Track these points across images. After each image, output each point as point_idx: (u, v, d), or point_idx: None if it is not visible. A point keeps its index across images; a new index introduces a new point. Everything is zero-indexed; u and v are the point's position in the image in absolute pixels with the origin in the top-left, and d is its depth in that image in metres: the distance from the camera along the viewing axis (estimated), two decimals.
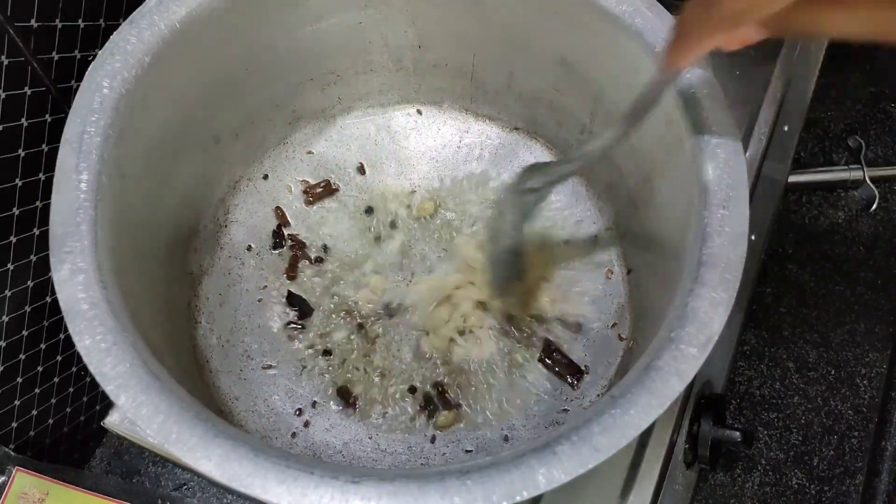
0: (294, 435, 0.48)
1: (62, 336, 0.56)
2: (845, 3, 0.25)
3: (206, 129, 0.49)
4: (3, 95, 0.42)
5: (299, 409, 0.49)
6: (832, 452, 0.72)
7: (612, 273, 0.53)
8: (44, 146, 0.47)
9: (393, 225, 0.55)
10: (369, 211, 0.56)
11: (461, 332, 0.51)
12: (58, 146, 0.37)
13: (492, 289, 0.51)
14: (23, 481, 0.54)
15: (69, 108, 0.38)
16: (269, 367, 0.50)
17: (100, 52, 0.40)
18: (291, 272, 0.53)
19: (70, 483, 0.55)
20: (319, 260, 0.54)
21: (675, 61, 0.31)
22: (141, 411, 0.31)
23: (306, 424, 0.49)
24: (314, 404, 0.49)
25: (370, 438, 0.48)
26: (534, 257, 0.53)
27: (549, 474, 0.30)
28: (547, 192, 0.45)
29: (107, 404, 0.58)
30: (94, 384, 0.62)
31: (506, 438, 0.48)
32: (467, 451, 0.48)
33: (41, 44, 0.44)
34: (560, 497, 0.45)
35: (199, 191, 0.52)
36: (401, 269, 0.54)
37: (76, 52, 0.47)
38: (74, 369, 0.59)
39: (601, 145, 0.38)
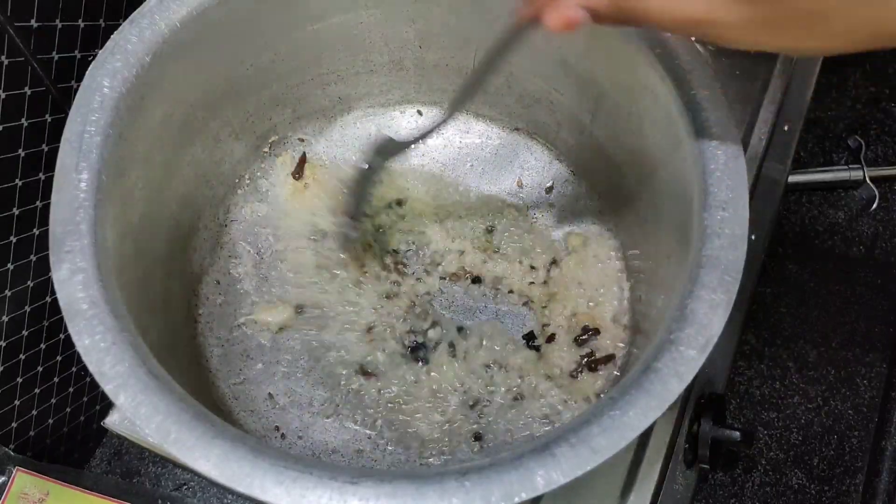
0: (292, 435, 0.48)
1: (62, 336, 0.56)
2: None
3: (206, 128, 0.49)
4: (3, 95, 0.42)
5: (298, 409, 0.49)
6: (832, 452, 0.72)
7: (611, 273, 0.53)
8: (44, 146, 0.47)
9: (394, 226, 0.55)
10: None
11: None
12: (58, 146, 0.37)
13: None
14: (23, 481, 0.54)
15: (69, 108, 0.38)
16: (269, 367, 0.50)
17: (100, 51, 0.40)
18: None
19: (70, 483, 0.55)
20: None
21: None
22: (140, 410, 0.31)
23: (305, 425, 0.49)
24: (313, 404, 0.49)
25: (369, 439, 0.48)
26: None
27: (547, 476, 0.30)
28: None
29: (107, 404, 0.58)
30: (94, 384, 0.62)
31: (506, 441, 0.48)
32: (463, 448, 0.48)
33: (41, 44, 0.44)
34: (560, 497, 0.45)
35: (199, 190, 0.52)
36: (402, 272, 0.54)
37: (76, 52, 0.47)
38: (74, 369, 0.59)
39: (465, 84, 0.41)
